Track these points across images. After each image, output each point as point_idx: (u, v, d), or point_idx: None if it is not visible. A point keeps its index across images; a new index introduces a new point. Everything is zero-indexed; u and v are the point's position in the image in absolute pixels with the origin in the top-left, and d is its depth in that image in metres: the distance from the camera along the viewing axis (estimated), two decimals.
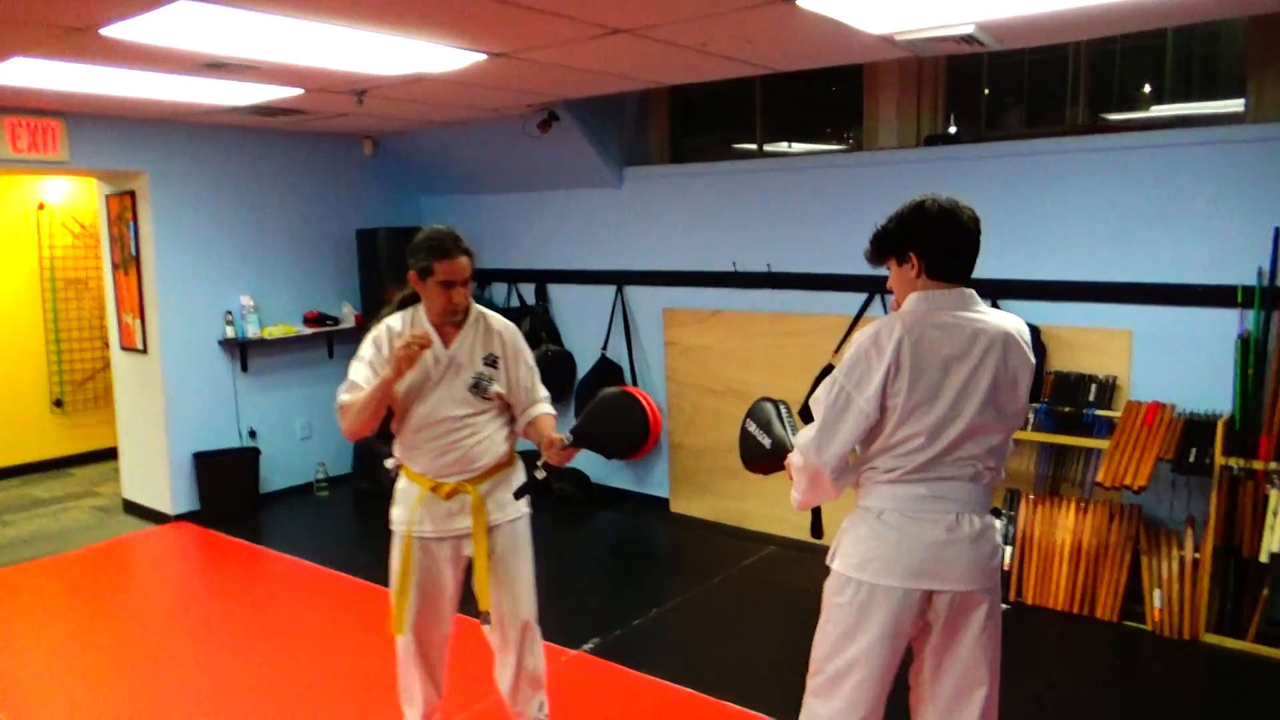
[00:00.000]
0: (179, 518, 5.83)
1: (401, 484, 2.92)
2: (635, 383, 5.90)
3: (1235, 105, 4.32)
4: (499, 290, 6.65)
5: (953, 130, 5.08)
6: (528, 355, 2.92)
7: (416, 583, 2.89)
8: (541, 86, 4.61)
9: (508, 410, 2.92)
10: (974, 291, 2.22)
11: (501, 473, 2.89)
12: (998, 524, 2.35)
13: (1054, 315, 4.42)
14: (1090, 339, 4.35)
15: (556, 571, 5.00)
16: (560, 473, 6.19)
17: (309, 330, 6.33)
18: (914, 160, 4.78)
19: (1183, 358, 4.12)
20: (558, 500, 6.08)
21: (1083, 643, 4.07)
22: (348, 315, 6.51)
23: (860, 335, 2.19)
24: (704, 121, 6.35)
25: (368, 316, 6.32)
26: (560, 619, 4.27)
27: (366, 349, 2.84)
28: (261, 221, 6.11)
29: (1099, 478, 4.02)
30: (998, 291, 4.50)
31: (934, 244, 2.18)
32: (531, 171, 6.07)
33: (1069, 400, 4.32)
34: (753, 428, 2.50)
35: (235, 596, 4.82)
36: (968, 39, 3.43)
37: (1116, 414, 4.21)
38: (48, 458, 7.29)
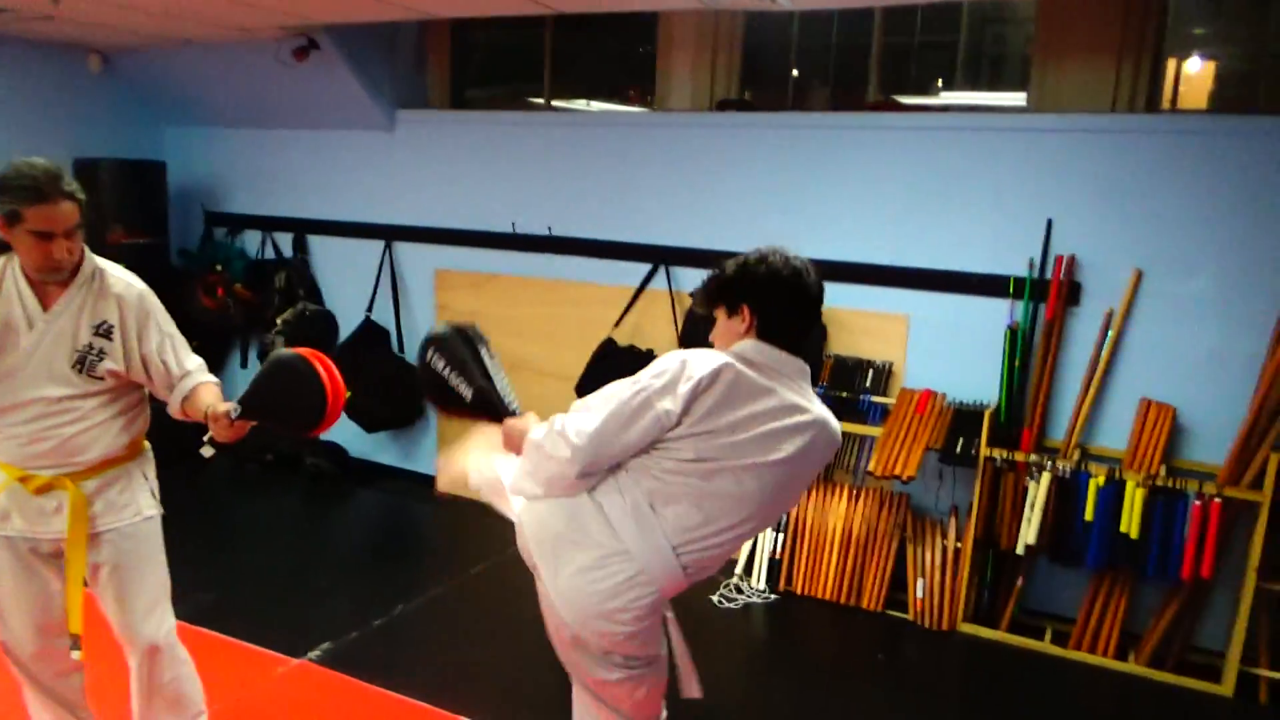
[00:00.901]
0: None
1: None
2: (402, 349, 5.37)
3: (1020, 98, 4.32)
4: (252, 239, 5.89)
5: (746, 97, 4.85)
6: (162, 321, 2.38)
7: (7, 594, 2.35)
8: (284, 4, 3.96)
9: (135, 391, 2.40)
10: (808, 367, 2.01)
11: (117, 468, 2.38)
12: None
13: (836, 297, 4.22)
14: (869, 323, 4.24)
15: (295, 563, 4.44)
16: (314, 445, 5.62)
17: None
18: (705, 125, 4.51)
19: (956, 347, 4.08)
20: (310, 478, 5.47)
21: (847, 633, 3.98)
22: None
23: (679, 352, 1.95)
24: (491, 70, 5.84)
25: None
26: (288, 621, 3.76)
27: None
28: None
29: (870, 466, 3.92)
30: None
31: (773, 302, 1.96)
32: (291, 106, 5.35)
33: (846, 385, 4.20)
34: (442, 366, 2.14)
35: None
36: None
37: (891, 400, 4.12)
38: None
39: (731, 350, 1.97)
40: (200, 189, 6.04)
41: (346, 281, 5.55)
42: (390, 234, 5.36)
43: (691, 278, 4.51)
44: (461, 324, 2.19)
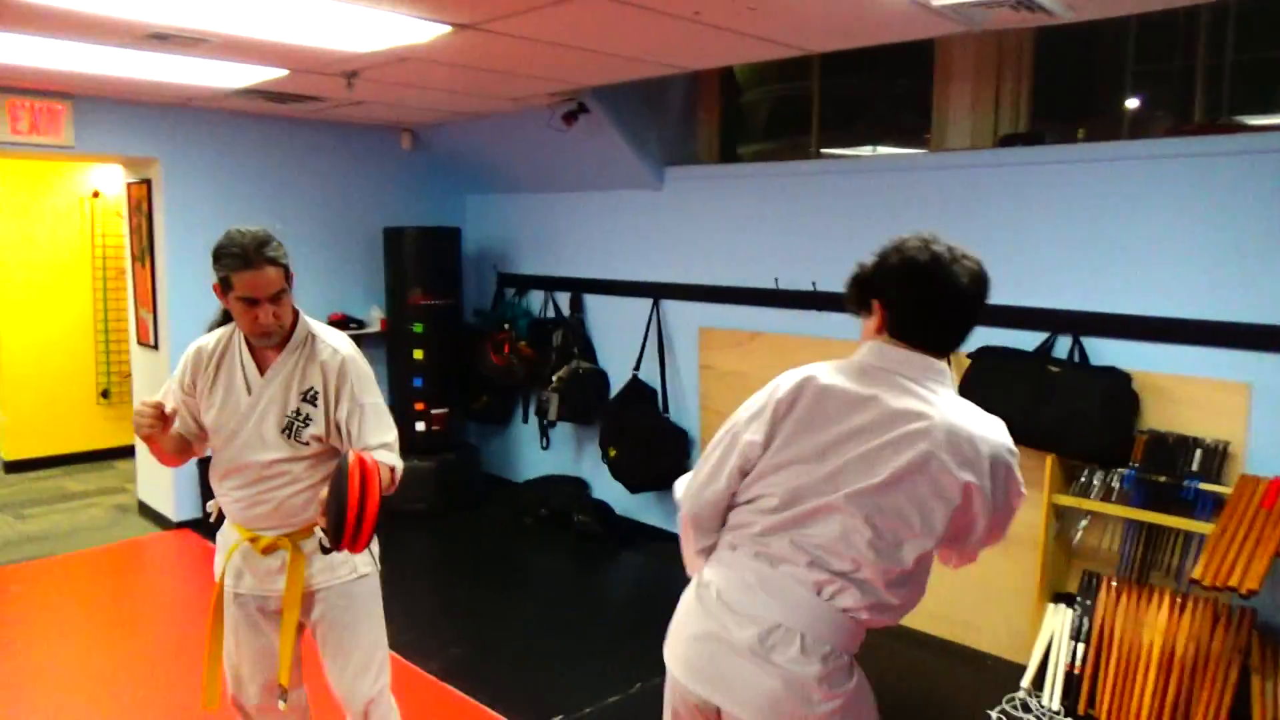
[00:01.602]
0: (182, 525, 5.53)
1: (222, 530, 2.45)
2: (667, 408, 5.26)
3: None
4: (536, 298, 6.12)
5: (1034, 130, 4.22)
6: (359, 390, 2.33)
7: (236, 648, 2.41)
8: (535, 69, 4.03)
9: None
10: (947, 367, 1.67)
11: None
12: (856, 683, 1.68)
13: (1153, 360, 3.54)
14: (1197, 392, 3.44)
15: (548, 624, 4.41)
16: (582, 503, 5.65)
17: None
18: (987, 164, 3.97)
19: None
20: (577, 536, 5.49)
21: None
22: (374, 319, 6.11)
23: (790, 372, 1.77)
24: (761, 123, 5.65)
25: (394, 321, 5.92)
26: (528, 686, 3.71)
27: (175, 373, 2.39)
28: (284, 215, 5.76)
29: (1196, 573, 3.13)
30: (1081, 326, 3.67)
31: (905, 295, 1.70)
32: (566, 170, 5.51)
33: (1165, 468, 3.43)
34: None
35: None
36: (1026, 4, 2.65)
37: (1226, 490, 3.30)
38: (92, 449, 7.20)
39: (859, 350, 1.71)
40: (494, 252, 6.41)
41: (618, 339, 5.57)
42: (657, 291, 5.30)
43: (976, 337, 3.97)
44: None
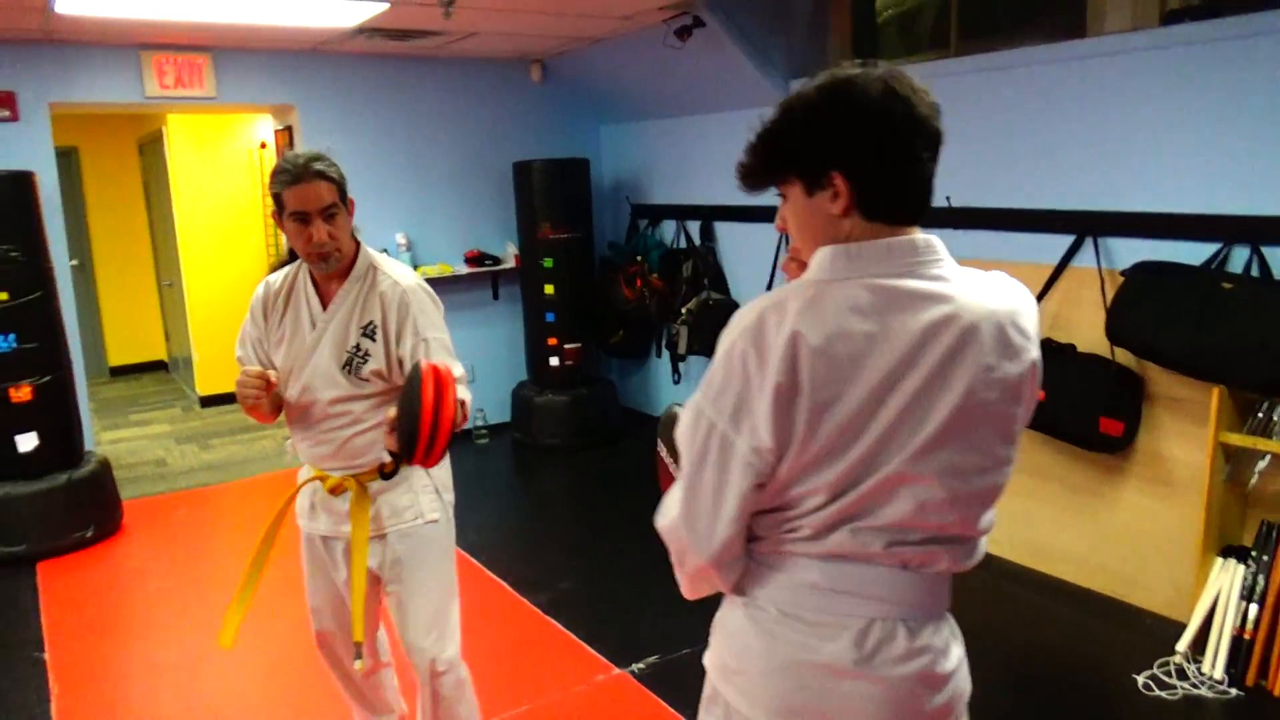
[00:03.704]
0: None
1: (301, 468, 2.41)
2: None
3: None
4: (669, 229, 5.93)
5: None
6: (423, 324, 2.21)
7: (312, 587, 2.40)
8: None
9: None
10: (933, 238, 1.25)
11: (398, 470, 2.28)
12: (956, 649, 1.34)
13: None
14: None
15: (654, 567, 4.29)
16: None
17: (468, 270, 6.02)
18: (1148, 47, 3.38)
19: None
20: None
21: None
22: (510, 255, 6.13)
23: (736, 323, 1.25)
24: (899, 29, 5.11)
25: (527, 257, 5.91)
26: (628, 625, 3.65)
27: (247, 321, 2.35)
28: (417, 155, 5.84)
29: None
30: (1264, 234, 3.08)
31: (874, 156, 1.21)
32: (688, 90, 5.24)
33: None
34: (664, 454, 1.59)
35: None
36: None
37: None
38: None
39: (814, 268, 1.25)
40: (627, 182, 6.25)
41: (749, 268, 5.31)
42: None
43: (1128, 251, 3.45)
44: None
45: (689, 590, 1.39)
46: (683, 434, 1.31)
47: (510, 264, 6.09)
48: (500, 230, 6.16)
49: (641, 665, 3.32)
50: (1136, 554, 3.54)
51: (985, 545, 1.34)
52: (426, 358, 2.14)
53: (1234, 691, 3.02)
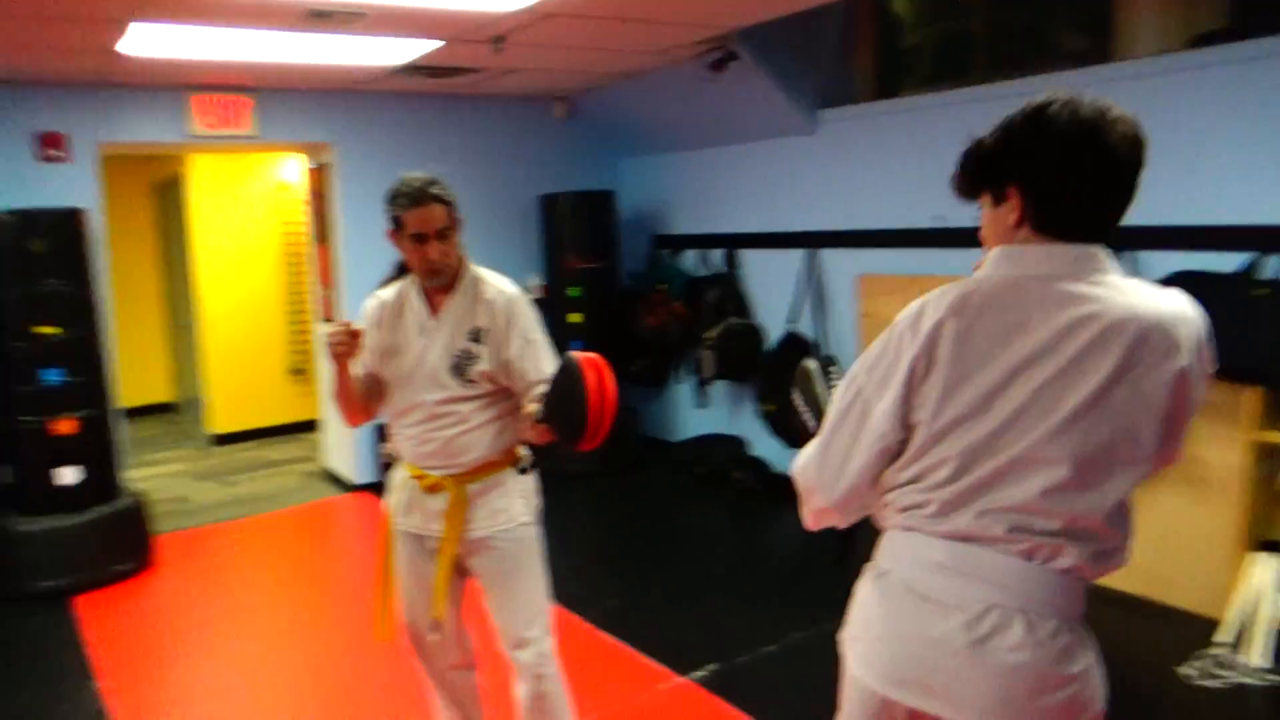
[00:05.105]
0: (360, 488, 5.86)
1: (395, 469, 2.52)
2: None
3: None
4: (692, 258, 6.07)
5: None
6: (527, 327, 2.36)
7: (404, 583, 2.48)
8: (680, 13, 3.97)
9: (511, 398, 2.38)
10: (1099, 250, 1.36)
11: (496, 473, 2.39)
12: (1083, 657, 1.40)
13: None
14: None
15: (705, 578, 4.38)
16: (740, 460, 5.54)
17: None
18: (1175, 69, 3.58)
19: None
20: (735, 493, 5.42)
21: None
22: (533, 287, 6.24)
23: (906, 309, 1.43)
24: (923, 55, 5.34)
25: (552, 288, 6.03)
26: (685, 635, 3.70)
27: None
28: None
29: None
30: None
31: (1052, 175, 1.35)
32: (717, 123, 5.43)
33: None
34: (800, 403, 1.81)
35: None
36: None
37: None
38: (283, 422, 7.73)
39: (984, 265, 1.41)
40: (648, 214, 6.41)
41: (772, 294, 5.45)
42: (813, 241, 5.14)
43: (1158, 263, 3.61)
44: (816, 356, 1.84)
45: (811, 522, 1.57)
46: (837, 392, 1.48)
47: (535, 296, 6.20)
48: (524, 262, 6.28)
49: (703, 671, 3.37)
50: (1170, 554, 3.65)
51: (1126, 553, 1.41)
52: (534, 358, 2.33)
53: (1277, 678, 3.12)
